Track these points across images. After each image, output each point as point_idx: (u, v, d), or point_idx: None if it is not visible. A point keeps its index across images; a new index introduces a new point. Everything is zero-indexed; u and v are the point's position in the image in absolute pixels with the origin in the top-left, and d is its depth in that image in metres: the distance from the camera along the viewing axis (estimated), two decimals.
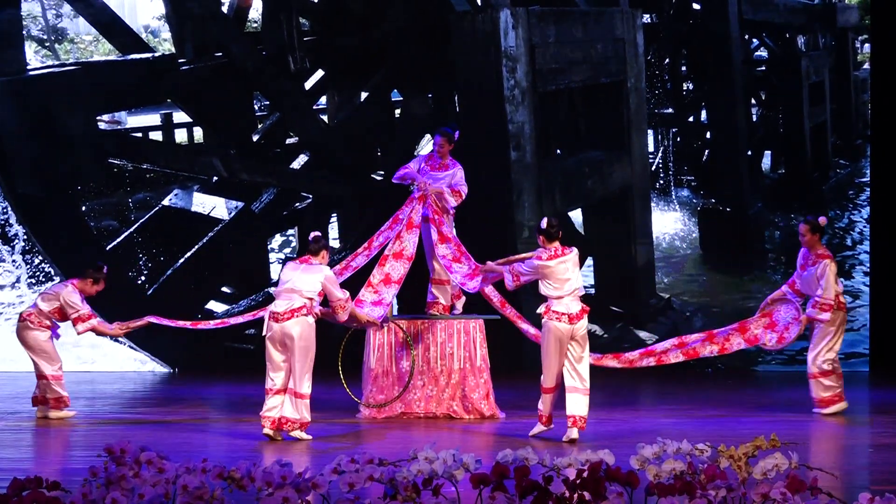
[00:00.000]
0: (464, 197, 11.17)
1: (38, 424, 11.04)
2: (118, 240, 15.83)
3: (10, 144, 14.74)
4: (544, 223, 9.85)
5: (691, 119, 17.97)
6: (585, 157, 16.22)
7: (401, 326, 11.24)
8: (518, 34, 14.63)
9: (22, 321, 11.41)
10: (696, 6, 17.71)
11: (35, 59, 18.00)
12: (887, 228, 15.31)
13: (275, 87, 16.20)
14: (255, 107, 17.24)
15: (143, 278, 15.72)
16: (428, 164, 11.24)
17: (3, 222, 15.80)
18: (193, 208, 16.31)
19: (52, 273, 15.34)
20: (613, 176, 16.20)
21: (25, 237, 15.72)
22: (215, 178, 16.25)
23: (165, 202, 16.39)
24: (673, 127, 17.70)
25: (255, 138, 16.68)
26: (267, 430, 9.92)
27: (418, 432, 10.42)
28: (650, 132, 17.12)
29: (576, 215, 16.55)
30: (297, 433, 9.93)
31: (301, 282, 9.97)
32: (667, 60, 17.77)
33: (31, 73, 15.18)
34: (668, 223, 17.20)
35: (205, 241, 15.71)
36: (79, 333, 11.48)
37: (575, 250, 9.88)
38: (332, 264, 10.67)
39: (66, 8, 17.92)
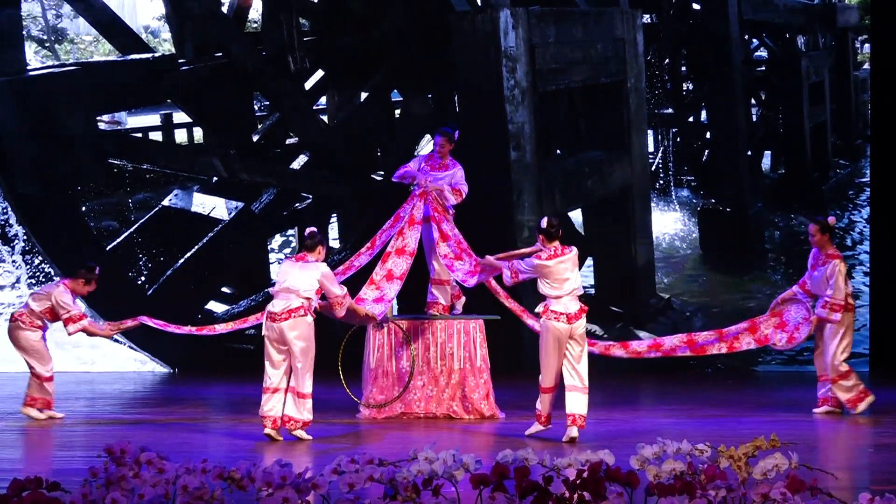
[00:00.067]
0: (464, 196, 11.16)
1: (39, 425, 11.03)
2: (118, 240, 15.83)
3: (10, 144, 14.72)
4: (544, 223, 9.85)
5: (691, 119, 17.98)
6: (585, 157, 16.21)
7: (401, 326, 11.23)
8: (518, 34, 14.62)
9: (13, 321, 11.32)
10: (696, 6, 17.72)
11: (35, 59, 18.02)
12: (887, 228, 15.30)
13: (275, 88, 16.19)
14: (255, 107, 17.25)
15: (143, 278, 15.72)
16: (428, 163, 11.23)
17: (3, 222, 15.79)
18: (193, 208, 16.29)
19: (52, 273, 15.32)
20: (613, 176, 16.19)
21: (25, 237, 15.71)
22: (215, 178, 16.24)
23: (165, 202, 16.38)
24: (673, 127, 17.71)
25: (255, 138, 16.68)
26: (268, 430, 9.91)
27: (418, 432, 10.42)
28: (650, 132, 17.13)
29: (576, 215, 16.54)
30: (299, 432, 9.94)
31: (298, 280, 9.95)
32: (667, 60, 17.78)
33: (31, 73, 15.15)
34: (668, 223, 17.21)
35: (205, 241, 15.70)
36: (70, 334, 11.36)
37: (574, 250, 9.88)
38: (334, 264, 10.66)
39: (66, 8, 17.94)
